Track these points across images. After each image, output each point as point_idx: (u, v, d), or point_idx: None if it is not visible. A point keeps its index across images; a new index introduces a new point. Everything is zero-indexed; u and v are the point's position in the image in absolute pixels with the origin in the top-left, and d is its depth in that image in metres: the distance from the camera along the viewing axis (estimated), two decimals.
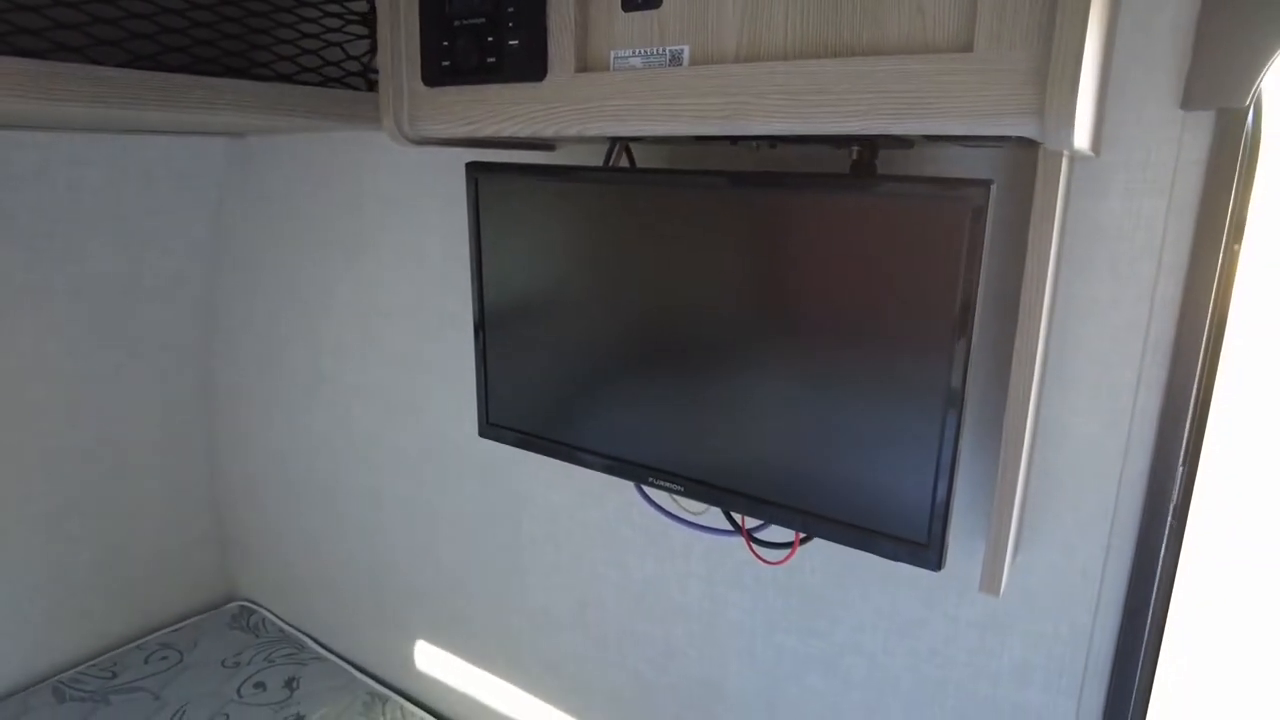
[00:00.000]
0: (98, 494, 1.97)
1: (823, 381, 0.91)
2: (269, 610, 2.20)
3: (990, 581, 0.92)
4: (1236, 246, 0.97)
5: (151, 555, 2.11)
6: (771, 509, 0.97)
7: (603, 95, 0.91)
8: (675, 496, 1.21)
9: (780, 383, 0.95)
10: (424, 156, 1.53)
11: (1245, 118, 0.86)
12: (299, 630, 2.11)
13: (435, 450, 1.67)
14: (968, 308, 0.80)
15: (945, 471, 0.85)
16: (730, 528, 1.13)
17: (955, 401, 0.83)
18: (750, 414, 0.97)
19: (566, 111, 0.94)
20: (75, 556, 1.95)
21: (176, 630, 2.09)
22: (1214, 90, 0.85)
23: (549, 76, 0.95)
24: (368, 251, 1.68)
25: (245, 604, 2.24)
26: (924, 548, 0.87)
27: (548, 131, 0.97)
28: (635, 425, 1.07)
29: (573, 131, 0.95)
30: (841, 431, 0.91)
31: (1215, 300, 0.96)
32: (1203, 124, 0.87)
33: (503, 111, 1.00)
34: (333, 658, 2.00)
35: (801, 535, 1.06)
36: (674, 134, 0.88)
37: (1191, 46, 0.85)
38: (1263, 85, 0.93)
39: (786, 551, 1.07)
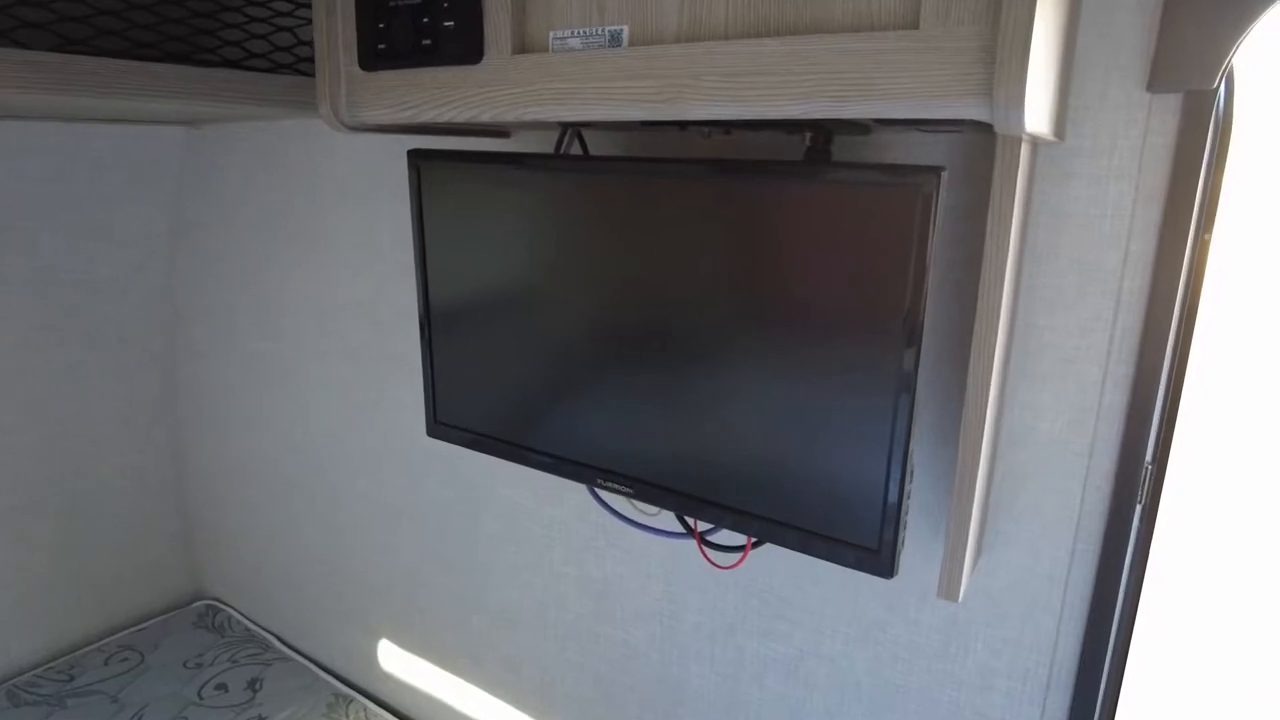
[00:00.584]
0: (57, 492, 1.92)
1: (771, 377, 0.87)
2: (235, 609, 2.16)
3: (949, 587, 0.88)
4: (1207, 236, 0.93)
5: (115, 555, 2.06)
6: (719, 511, 0.93)
7: (540, 78, 0.87)
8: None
9: (728, 378, 0.90)
10: (378, 145, 1.48)
11: (1213, 101, 0.81)
12: (265, 630, 2.07)
13: (394, 446, 1.62)
14: (918, 298, 0.76)
15: (896, 471, 0.81)
16: (682, 530, 1.09)
17: (905, 396, 0.79)
18: (697, 411, 0.93)
19: (504, 95, 0.90)
20: (32, 557, 1.90)
21: (139, 631, 2.05)
22: (1181, 72, 0.81)
23: (486, 59, 0.90)
24: (323, 244, 1.63)
25: (212, 603, 2.19)
26: (874, 553, 0.83)
27: (485, 116, 0.92)
28: (584, 425, 1.03)
29: (511, 117, 0.90)
30: (790, 430, 0.87)
31: (1185, 293, 0.93)
32: (1170, 107, 0.83)
33: (439, 96, 0.95)
34: (298, 658, 1.96)
35: (754, 539, 1.02)
36: (612, 119, 0.84)
37: (1158, 26, 0.81)
38: (1234, 67, 0.89)
39: (739, 555, 1.03)
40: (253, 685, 1.83)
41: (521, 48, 0.88)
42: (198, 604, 2.19)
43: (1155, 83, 0.82)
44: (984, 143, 0.92)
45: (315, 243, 1.65)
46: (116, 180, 1.80)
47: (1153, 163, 0.84)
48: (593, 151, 1.14)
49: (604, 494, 1.18)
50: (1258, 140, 0.94)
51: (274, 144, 1.68)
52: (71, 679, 1.84)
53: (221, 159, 1.79)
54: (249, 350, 1.87)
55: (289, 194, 1.67)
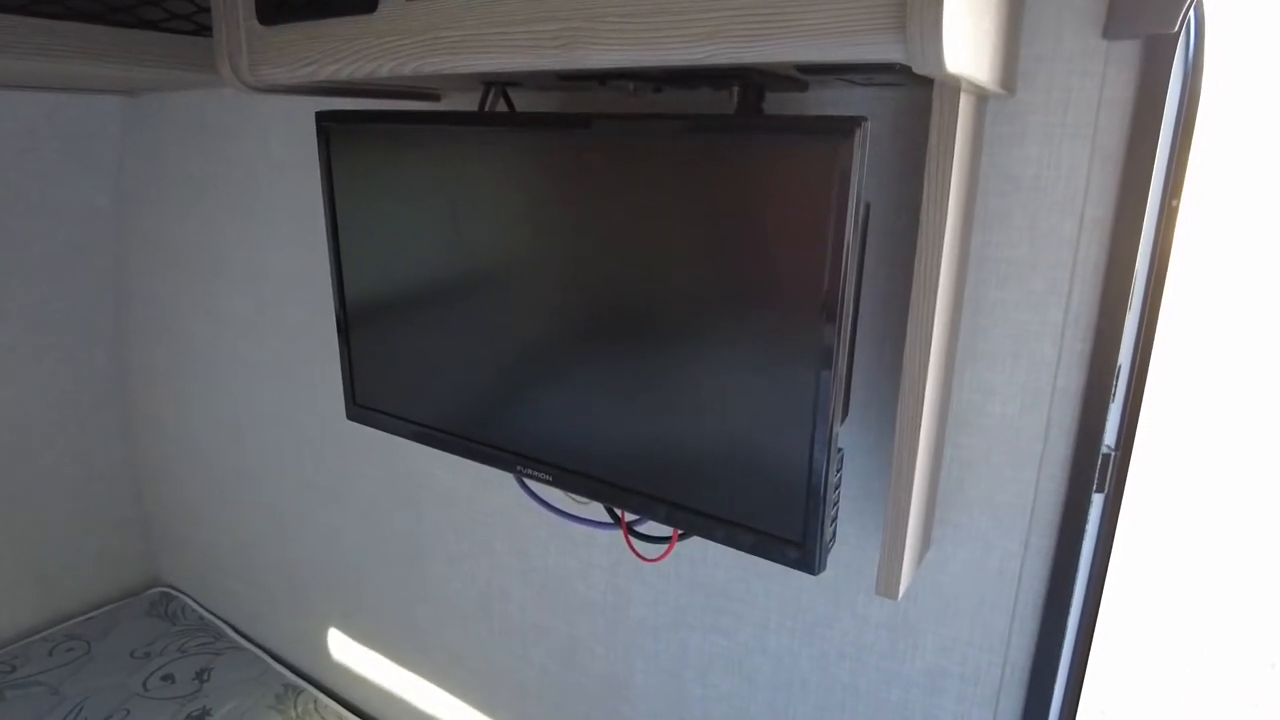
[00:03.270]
0: (1, 478, 1.85)
1: (691, 353, 0.80)
2: (190, 597, 2.10)
3: (886, 583, 0.81)
4: (1175, 202, 0.85)
5: (65, 541, 2.00)
6: (639, 499, 0.86)
7: (436, 26, 0.79)
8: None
9: (646, 353, 0.83)
10: (314, 112, 1.39)
11: (1175, 47, 0.73)
12: (218, 617, 2.01)
13: (334, 430, 1.55)
14: (839, 262, 0.69)
15: (820, 456, 0.73)
16: (610, 521, 1.02)
17: (827, 373, 0.71)
18: (614, 391, 0.86)
19: (401, 45, 0.82)
20: None
21: (88, 619, 1.98)
22: (1139, 15, 0.72)
23: (381, 7, 0.82)
24: (261, 218, 1.55)
25: (166, 590, 2.13)
26: (798, 547, 0.76)
27: (383, 70, 0.84)
28: (502, 408, 0.96)
29: (409, 69, 0.82)
30: (710, 411, 0.80)
31: (1151, 264, 0.85)
32: (1128, 56, 0.75)
33: (336, 49, 0.87)
34: (250, 647, 1.90)
35: (679, 530, 0.95)
36: (510, 69, 0.76)
37: None
38: (1203, 11, 0.81)
39: (665, 547, 0.96)
40: (201, 676, 1.77)
41: None
42: (151, 592, 2.13)
43: (1111, 28, 0.74)
44: (930, 99, 0.84)
45: (253, 217, 1.57)
46: (49, 152, 1.72)
47: (1109, 119, 0.77)
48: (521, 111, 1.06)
49: (531, 482, 1.10)
50: (1233, 94, 0.86)
51: (212, 113, 1.60)
52: (13, 669, 1.78)
53: (161, 130, 1.71)
54: (192, 330, 1.79)
55: (227, 166, 1.59)
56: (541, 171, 0.87)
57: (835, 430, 0.72)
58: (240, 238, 1.61)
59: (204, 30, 1.25)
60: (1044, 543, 0.89)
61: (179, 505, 2.04)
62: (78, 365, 1.94)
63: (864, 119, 0.65)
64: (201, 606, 2.06)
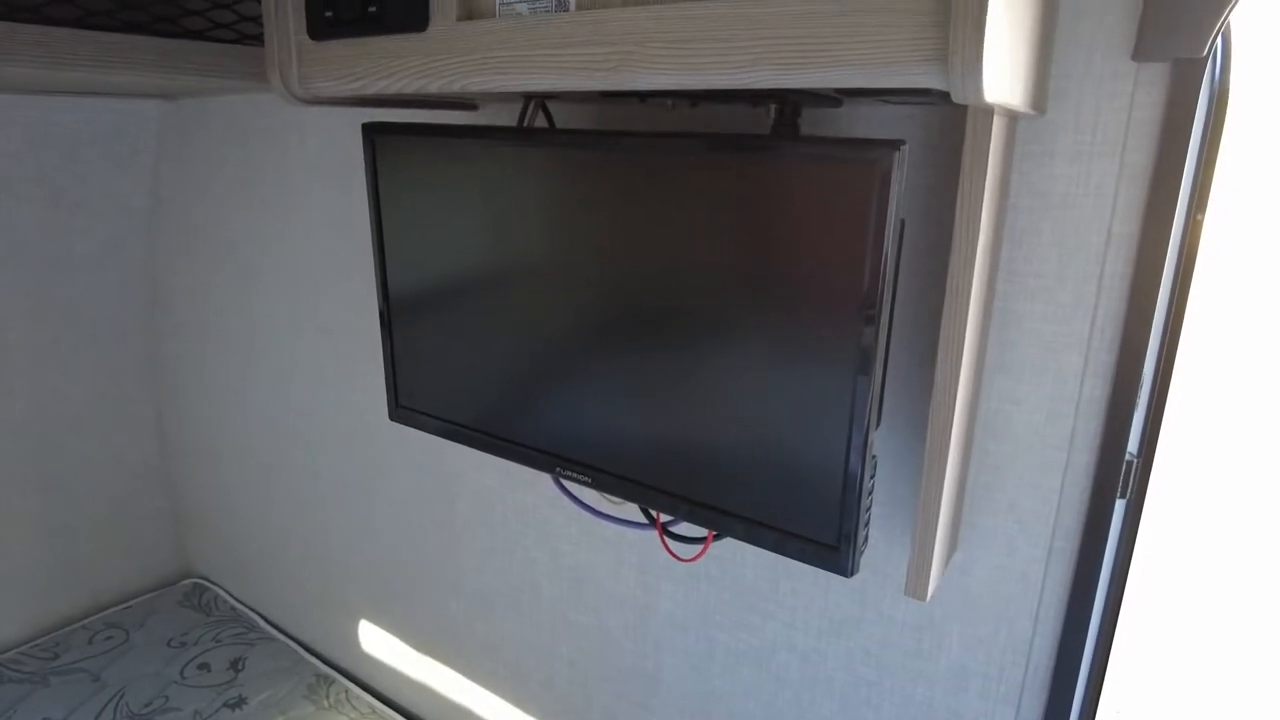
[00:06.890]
0: (38, 469, 1.91)
1: (730, 360, 0.83)
2: (222, 588, 2.15)
3: (916, 584, 0.84)
4: (1200, 217, 0.87)
5: (101, 532, 2.05)
6: (676, 502, 0.89)
7: (486, 46, 0.82)
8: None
9: (686, 360, 0.86)
10: (351, 118, 1.43)
11: (1203, 70, 0.75)
12: (250, 609, 2.06)
13: (368, 426, 1.60)
14: (877, 276, 0.71)
15: (856, 461, 0.76)
16: (645, 521, 1.05)
17: (864, 380, 0.74)
18: (654, 396, 0.89)
19: (450, 64, 0.85)
20: (16, 534, 1.89)
21: (125, 609, 2.04)
22: (1168, 39, 0.75)
23: (431, 26, 0.85)
24: (297, 219, 1.59)
25: (199, 581, 2.19)
26: (833, 550, 0.79)
27: (432, 87, 0.88)
28: (543, 410, 0.99)
29: (457, 86, 0.86)
30: (747, 416, 0.83)
31: (1175, 276, 0.87)
32: (1157, 78, 0.77)
33: (385, 66, 0.90)
34: (282, 638, 1.95)
35: (714, 531, 0.98)
36: (557, 88, 0.79)
37: None
38: (1230, 34, 0.83)
39: (700, 547, 1.00)
40: (235, 665, 1.82)
41: (468, 14, 0.84)
42: (184, 582, 2.18)
43: (1141, 51, 0.76)
44: (962, 116, 0.86)
45: (289, 218, 1.61)
46: (89, 154, 1.76)
47: (1138, 138, 0.79)
48: (559, 126, 1.09)
49: (568, 482, 1.14)
50: (1258, 114, 0.88)
51: (249, 117, 1.63)
52: (56, 656, 1.84)
53: (197, 133, 1.76)
54: (226, 327, 1.84)
55: (263, 169, 1.63)
56: (581, 185, 0.90)
57: (871, 437, 0.75)
58: (275, 239, 1.65)
59: (246, 39, 1.29)
60: (1067, 546, 0.91)
61: (211, 498, 2.09)
62: (113, 361, 1.99)
63: (903, 142, 0.68)
64: (233, 598, 2.11)
